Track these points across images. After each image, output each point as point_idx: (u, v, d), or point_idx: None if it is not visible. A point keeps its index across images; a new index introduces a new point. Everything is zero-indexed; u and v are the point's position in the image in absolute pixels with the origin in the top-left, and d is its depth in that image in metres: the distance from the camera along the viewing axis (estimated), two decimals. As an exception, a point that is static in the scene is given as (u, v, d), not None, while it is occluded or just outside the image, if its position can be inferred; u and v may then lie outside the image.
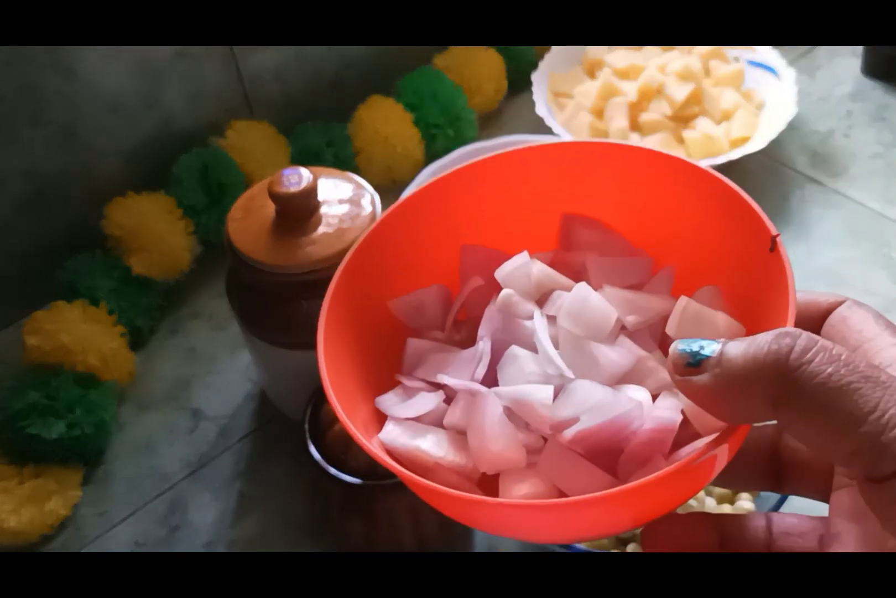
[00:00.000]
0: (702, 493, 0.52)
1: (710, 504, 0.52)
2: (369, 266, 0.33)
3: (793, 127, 0.77)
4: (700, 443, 0.27)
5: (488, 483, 0.30)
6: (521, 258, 0.33)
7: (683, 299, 0.31)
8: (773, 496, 0.50)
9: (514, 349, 0.31)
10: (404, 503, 0.50)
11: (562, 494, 0.29)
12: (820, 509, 0.30)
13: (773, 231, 0.29)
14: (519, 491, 0.29)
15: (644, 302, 0.32)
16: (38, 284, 0.67)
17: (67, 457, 0.60)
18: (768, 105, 0.76)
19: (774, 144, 0.74)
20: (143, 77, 0.68)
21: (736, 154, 0.71)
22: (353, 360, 0.32)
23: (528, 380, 0.30)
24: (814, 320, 0.29)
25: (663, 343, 0.32)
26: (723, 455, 0.27)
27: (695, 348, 0.25)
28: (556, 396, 0.29)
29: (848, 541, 0.28)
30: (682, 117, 0.75)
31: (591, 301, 0.31)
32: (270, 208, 0.54)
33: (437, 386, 0.32)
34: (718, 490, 0.52)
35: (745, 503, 0.51)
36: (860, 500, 0.25)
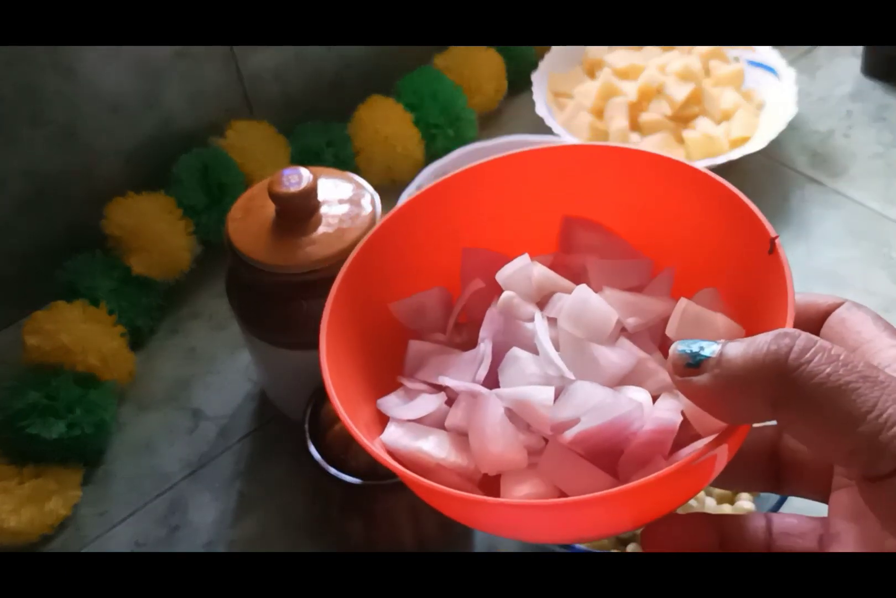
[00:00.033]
0: (702, 493, 0.53)
1: (710, 504, 0.52)
2: (371, 269, 0.34)
3: (793, 127, 0.77)
4: (700, 444, 0.27)
5: (489, 484, 0.30)
6: (522, 261, 0.33)
7: (683, 301, 0.31)
8: (773, 497, 0.50)
9: (515, 351, 0.31)
10: (404, 503, 0.50)
11: (563, 494, 0.29)
12: (819, 509, 0.30)
13: (772, 233, 0.29)
14: (520, 492, 0.29)
15: (644, 304, 0.32)
16: (38, 284, 0.67)
17: (67, 457, 0.60)
18: (768, 105, 0.76)
19: (774, 144, 0.74)
20: (143, 77, 0.68)
21: (736, 154, 0.71)
22: (355, 362, 0.32)
23: (528, 381, 0.30)
24: (813, 322, 0.29)
25: (663, 345, 0.32)
26: (722, 456, 0.28)
27: (694, 348, 0.25)
28: (556, 397, 0.29)
29: (847, 541, 0.28)
30: (682, 117, 0.75)
31: (591, 303, 0.31)
32: (270, 208, 0.54)
33: (439, 388, 0.32)
34: (718, 490, 0.52)
35: (745, 503, 0.52)
36: (859, 500, 0.25)
